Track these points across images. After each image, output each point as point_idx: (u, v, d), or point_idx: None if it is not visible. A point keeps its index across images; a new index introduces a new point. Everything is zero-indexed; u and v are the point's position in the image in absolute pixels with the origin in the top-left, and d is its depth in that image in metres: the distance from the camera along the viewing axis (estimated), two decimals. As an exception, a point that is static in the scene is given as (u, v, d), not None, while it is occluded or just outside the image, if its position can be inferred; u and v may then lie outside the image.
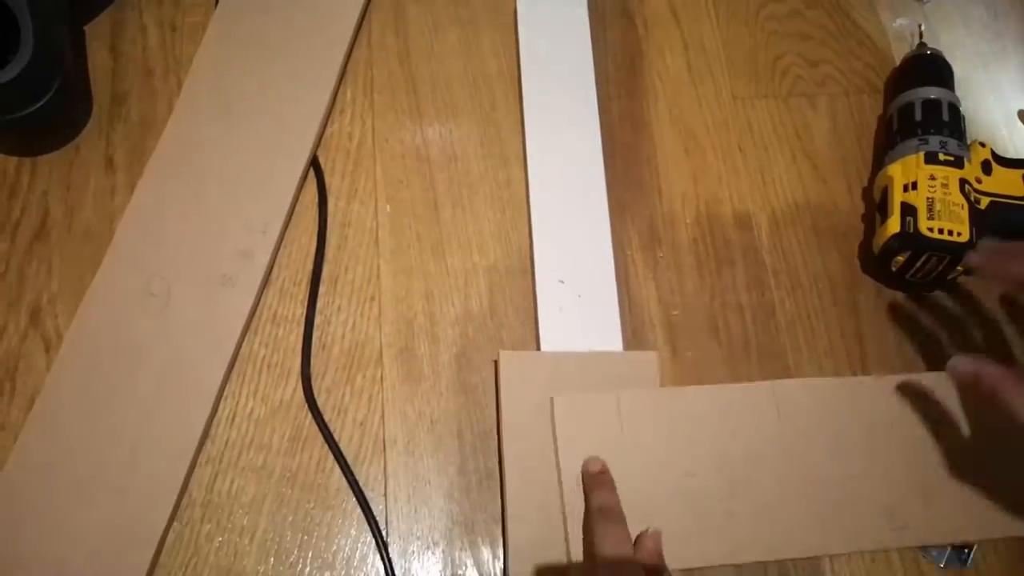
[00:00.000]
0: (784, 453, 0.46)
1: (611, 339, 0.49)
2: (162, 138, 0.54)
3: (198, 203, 0.52)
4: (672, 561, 0.42)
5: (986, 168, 0.52)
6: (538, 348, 0.49)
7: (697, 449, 0.46)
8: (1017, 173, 0.52)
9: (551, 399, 0.46)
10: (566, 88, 0.56)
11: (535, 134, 0.55)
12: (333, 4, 0.58)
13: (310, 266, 0.52)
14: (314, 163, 0.55)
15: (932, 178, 0.50)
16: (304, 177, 0.54)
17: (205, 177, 0.53)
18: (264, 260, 0.51)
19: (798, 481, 0.45)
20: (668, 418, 0.46)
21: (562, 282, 0.50)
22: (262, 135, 0.54)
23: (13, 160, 0.54)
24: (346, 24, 0.58)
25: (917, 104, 0.53)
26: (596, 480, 0.44)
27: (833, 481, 0.45)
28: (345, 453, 0.47)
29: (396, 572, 0.45)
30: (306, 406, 0.48)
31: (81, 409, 0.46)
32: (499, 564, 0.45)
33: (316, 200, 0.54)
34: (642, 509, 0.44)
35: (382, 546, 0.45)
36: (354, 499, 0.46)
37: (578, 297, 0.50)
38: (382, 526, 0.46)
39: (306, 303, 0.51)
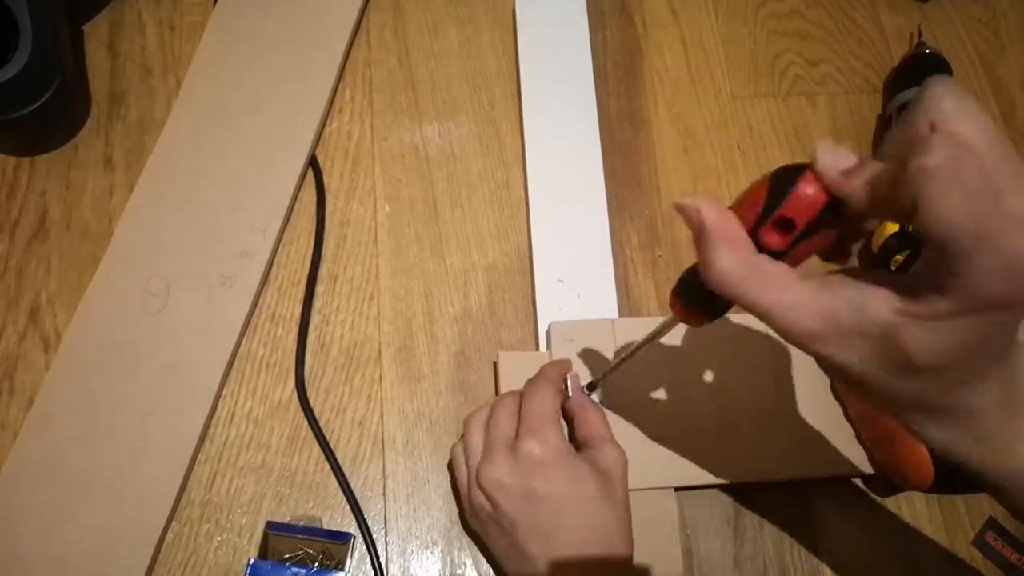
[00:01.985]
0: (774, 384, 0.47)
1: None
2: (161, 137, 0.54)
3: (197, 202, 0.52)
4: (666, 480, 0.45)
5: (985, 167, 0.52)
6: (537, 348, 0.49)
7: (690, 376, 0.47)
8: (1016, 172, 0.52)
9: (548, 324, 0.48)
10: (565, 86, 0.56)
11: (534, 133, 0.55)
12: (332, 3, 0.58)
13: (309, 265, 0.52)
14: (312, 162, 0.55)
15: (931, 177, 0.50)
16: (303, 176, 0.54)
17: (204, 176, 0.52)
18: (263, 259, 0.50)
19: (787, 410, 0.47)
20: (662, 345, 0.47)
21: (561, 281, 0.50)
22: (261, 134, 0.54)
23: (12, 159, 0.54)
24: (345, 23, 0.58)
25: (916, 103, 0.53)
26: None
27: (820, 411, 0.47)
28: (344, 453, 0.47)
29: (395, 571, 0.45)
30: (305, 405, 0.48)
31: (80, 408, 0.46)
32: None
33: (315, 199, 0.54)
34: (636, 432, 0.46)
35: (371, 547, 0.45)
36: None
37: (577, 297, 0.50)
38: (381, 525, 0.46)
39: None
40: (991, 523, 0.46)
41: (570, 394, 0.44)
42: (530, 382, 0.44)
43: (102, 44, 0.58)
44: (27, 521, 0.43)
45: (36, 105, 0.50)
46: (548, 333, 0.48)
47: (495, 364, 0.48)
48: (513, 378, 0.47)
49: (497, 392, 0.48)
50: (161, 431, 0.46)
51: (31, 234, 0.52)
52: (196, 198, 0.52)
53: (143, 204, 0.52)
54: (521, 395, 0.43)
